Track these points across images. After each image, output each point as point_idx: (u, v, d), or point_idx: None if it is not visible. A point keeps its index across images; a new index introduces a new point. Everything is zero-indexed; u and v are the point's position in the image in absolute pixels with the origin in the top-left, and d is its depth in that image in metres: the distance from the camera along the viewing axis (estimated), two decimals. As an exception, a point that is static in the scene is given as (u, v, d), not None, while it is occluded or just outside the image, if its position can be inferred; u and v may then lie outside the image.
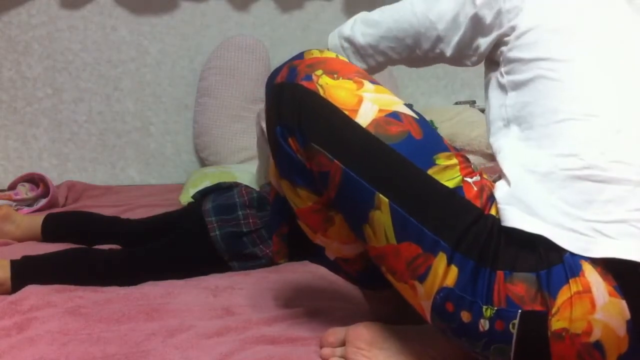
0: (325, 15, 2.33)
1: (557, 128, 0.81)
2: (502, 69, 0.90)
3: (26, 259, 1.28)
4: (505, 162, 0.85)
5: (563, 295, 0.74)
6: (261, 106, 1.91)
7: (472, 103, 2.34)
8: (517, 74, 0.87)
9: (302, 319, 1.11)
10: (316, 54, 0.92)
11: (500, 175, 0.86)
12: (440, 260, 0.79)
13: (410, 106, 1.98)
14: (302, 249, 1.02)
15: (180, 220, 1.54)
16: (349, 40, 1.05)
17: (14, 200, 1.88)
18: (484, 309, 0.78)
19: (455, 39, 0.95)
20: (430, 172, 0.81)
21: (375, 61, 1.05)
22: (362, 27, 1.04)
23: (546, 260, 0.76)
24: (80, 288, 1.23)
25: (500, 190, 0.82)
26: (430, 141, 0.85)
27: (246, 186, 1.56)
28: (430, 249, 0.79)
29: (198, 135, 2.24)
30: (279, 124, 0.89)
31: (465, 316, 0.79)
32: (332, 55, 0.93)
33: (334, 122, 0.85)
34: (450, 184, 0.81)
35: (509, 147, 0.86)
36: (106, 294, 1.22)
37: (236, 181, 1.65)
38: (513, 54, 0.88)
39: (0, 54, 2.19)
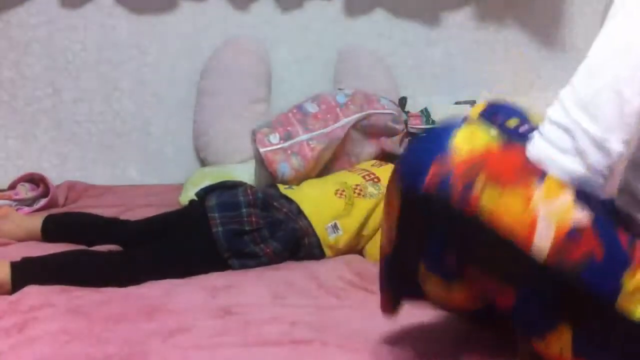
0: (325, 15, 2.32)
1: None
2: None
3: (26, 260, 1.28)
4: None
5: None
6: (259, 123, 1.89)
7: (472, 103, 2.34)
8: None
9: (301, 318, 1.11)
10: (468, 141, 0.75)
11: None
12: None
13: (404, 100, 1.89)
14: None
15: (181, 219, 1.54)
16: (610, 175, 0.79)
17: (14, 200, 1.88)
18: None
19: None
20: (619, 302, 0.73)
21: None
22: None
23: None
24: (80, 288, 1.23)
25: None
26: (612, 258, 0.74)
27: (251, 186, 1.56)
28: None
29: (198, 135, 2.24)
30: (431, 238, 0.78)
31: None
32: (486, 139, 0.76)
33: (505, 254, 0.73)
34: None
35: None
36: (106, 294, 1.22)
37: (241, 180, 1.65)
38: None
39: (0, 54, 2.19)
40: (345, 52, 2.30)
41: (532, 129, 0.83)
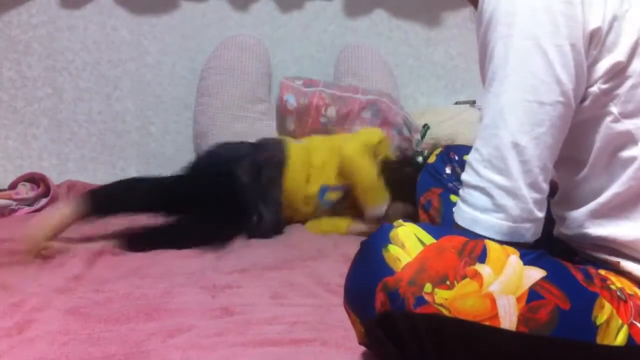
0: (325, 15, 2.33)
1: None
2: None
3: (91, 193, 1.53)
4: None
5: None
6: (261, 109, 1.96)
7: (472, 103, 2.34)
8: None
9: (301, 317, 1.11)
10: (400, 254, 0.76)
11: None
12: None
13: (427, 127, 1.89)
14: None
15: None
16: (534, 219, 0.80)
17: (15, 200, 1.88)
18: None
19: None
20: (599, 340, 0.75)
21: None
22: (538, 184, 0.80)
23: None
24: (81, 288, 1.23)
25: None
26: (578, 301, 0.75)
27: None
28: None
29: (198, 135, 2.24)
30: (403, 357, 0.76)
31: None
32: (417, 245, 0.76)
33: (481, 341, 0.73)
34: (621, 339, 0.75)
35: None
36: (106, 294, 1.22)
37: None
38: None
39: (0, 54, 2.19)
40: (345, 52, 2.30)
41: None
